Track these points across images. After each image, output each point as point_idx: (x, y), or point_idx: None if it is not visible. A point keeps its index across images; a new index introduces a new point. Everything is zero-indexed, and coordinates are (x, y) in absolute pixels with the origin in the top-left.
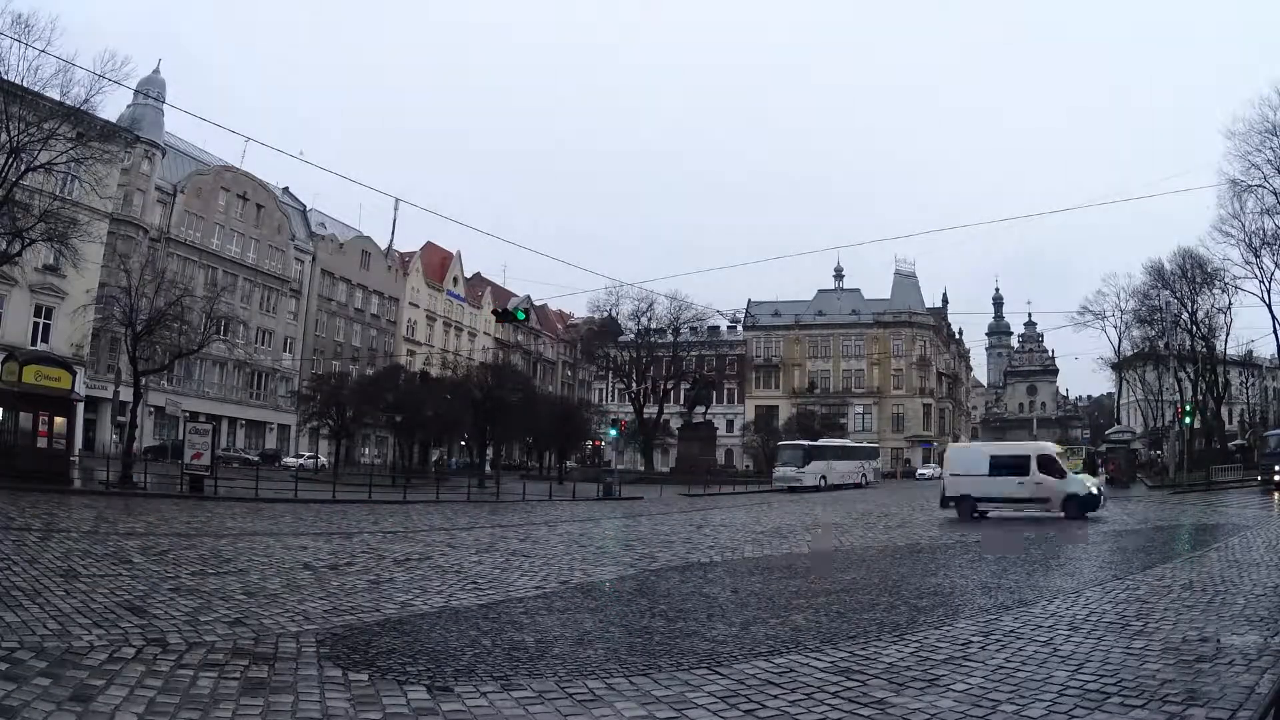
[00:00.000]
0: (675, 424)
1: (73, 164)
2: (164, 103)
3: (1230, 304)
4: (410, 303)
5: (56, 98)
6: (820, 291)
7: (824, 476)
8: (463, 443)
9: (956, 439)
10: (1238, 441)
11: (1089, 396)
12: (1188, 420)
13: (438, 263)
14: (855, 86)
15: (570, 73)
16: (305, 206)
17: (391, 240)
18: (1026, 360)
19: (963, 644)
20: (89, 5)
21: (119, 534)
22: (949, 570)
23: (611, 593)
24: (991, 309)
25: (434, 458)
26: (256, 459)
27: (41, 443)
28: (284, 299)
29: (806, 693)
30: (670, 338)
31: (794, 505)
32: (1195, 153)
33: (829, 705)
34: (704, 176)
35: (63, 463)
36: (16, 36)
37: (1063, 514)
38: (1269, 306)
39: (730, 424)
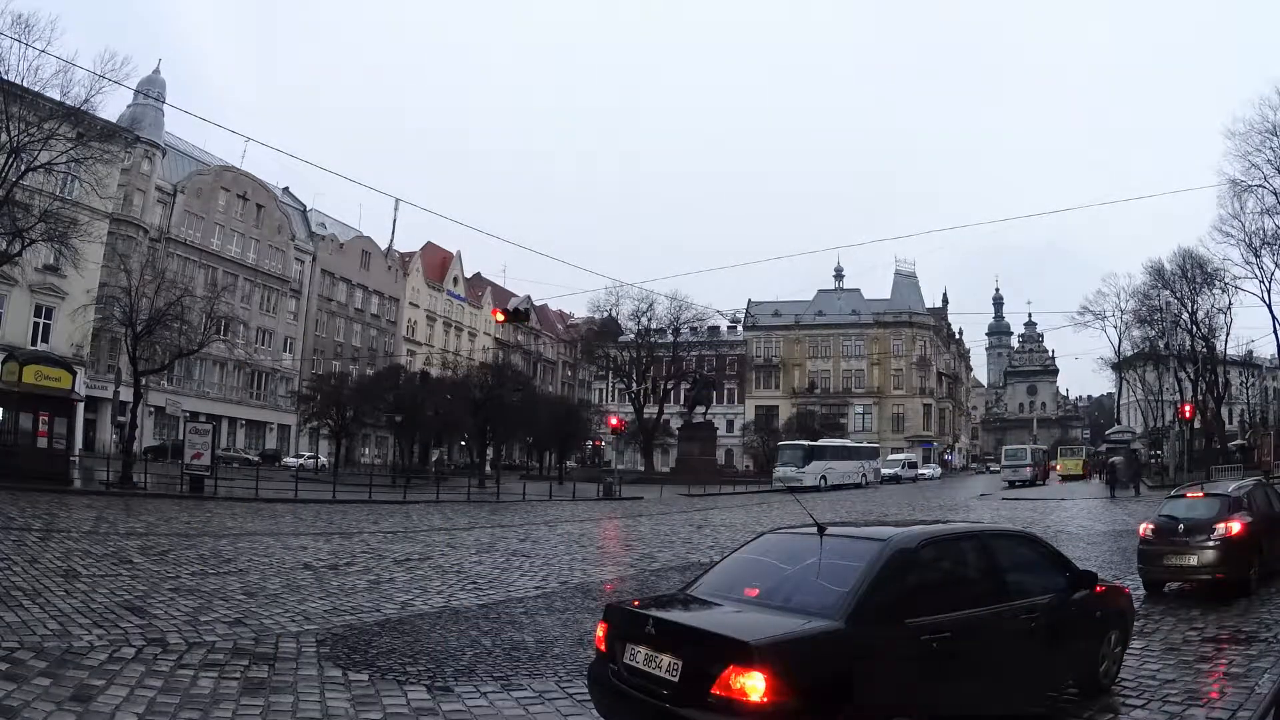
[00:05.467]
0: (675, 424)
1: (73, 164)
2: (164, 103)
3: (1230, 304)
4: (410, 303)
5: (56, 98)
6: (820, 291)
7: (824, 476)
8: (463, 443)
9: (956, 439)
10: (1238, 442)
11: (1089, 396)
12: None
13: (438, 263)
14: (856, 87)
15: (571, 73)
16: (305, 206)
17: (391, 240)
18: (1026, 360)
19: None
20: (89, 5)
21: (119, 534)
22: None
23: (611, 593)
24: (991, 309)
25: (434, 457)
26: (256, 459)
27: (41, 443)
28: (284, 299)
29: None
30: (670, 338)
31: (794, 505)
32: (1195, 153)
33: None
34: (704, 177)
35: (63, 463)
36: (16, 36)
37: None
38: (1269, 306)
39: (730, 424)
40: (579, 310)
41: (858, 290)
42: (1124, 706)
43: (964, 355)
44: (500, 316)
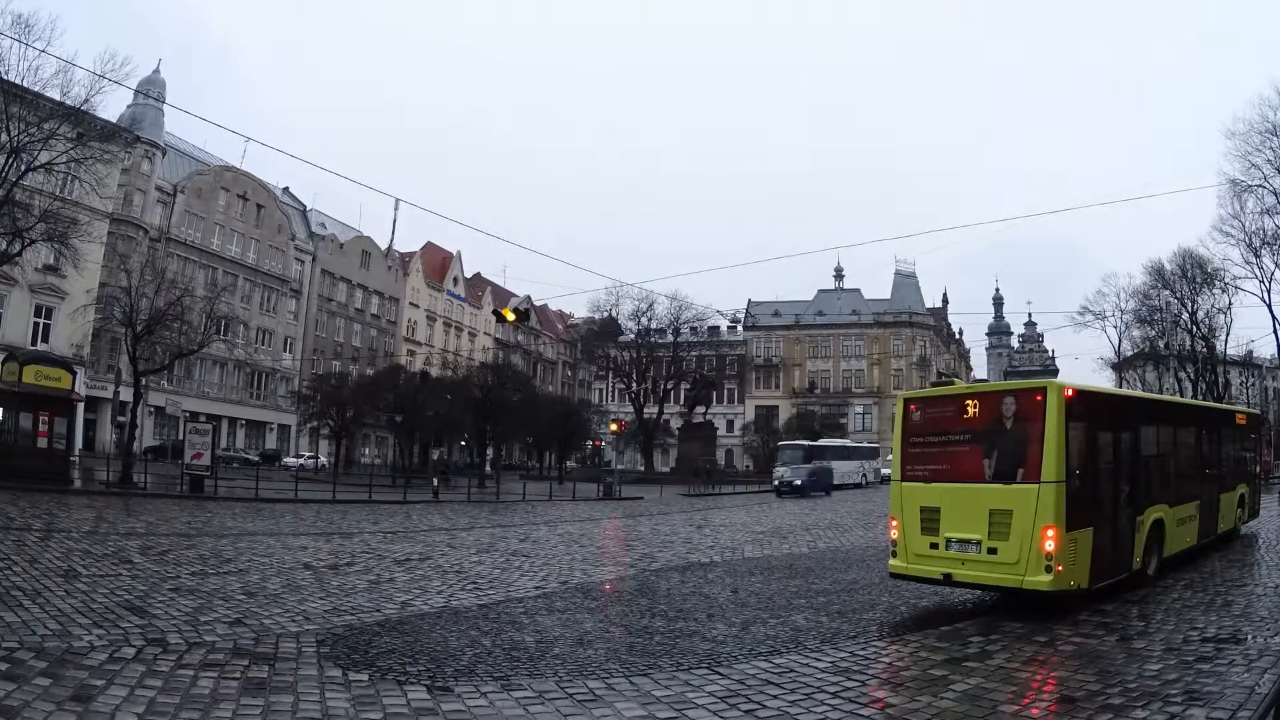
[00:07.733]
0: (675, 424)
1: (73, 164)
2: (164, 103)
3: (1230, 304)
4: (410, 303)
5: (56, 98)
6: (820, 291)
7: None
8: (463, 443)
9: None
10: None
11: None
12: None
13: (438, 263)
14: (856, 87)
15: (571, 73)
16: (305, 206)
17: (391, 240)
18: (1027, 360)
19: (962, 644)
20: (89, 5)
21: (119, 534)
22: None
23: (611, 593)
24: (991, 309)
25: (434, 457)
26: (257, 459)
27: (41, 443)
28: (284, 299)
29: (806, 693)
30: (670, 338)
31: (794, 505)
32: (1195, 153)
33: (829, 705)
34: (704, 177)
35: (63, 463)
36: (16, 36)
37: None
38: (1269, 306)
39: (730, 424)
40: (579, 310)
41: (858, 290)
42: (1126, 707)
43: (964, 355)
44: (511, 316)
